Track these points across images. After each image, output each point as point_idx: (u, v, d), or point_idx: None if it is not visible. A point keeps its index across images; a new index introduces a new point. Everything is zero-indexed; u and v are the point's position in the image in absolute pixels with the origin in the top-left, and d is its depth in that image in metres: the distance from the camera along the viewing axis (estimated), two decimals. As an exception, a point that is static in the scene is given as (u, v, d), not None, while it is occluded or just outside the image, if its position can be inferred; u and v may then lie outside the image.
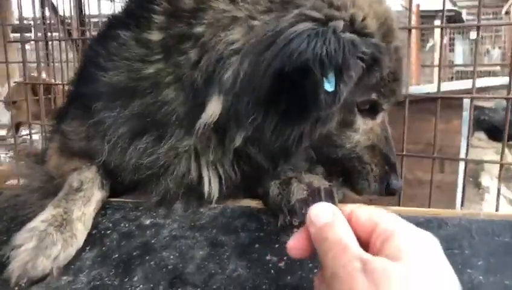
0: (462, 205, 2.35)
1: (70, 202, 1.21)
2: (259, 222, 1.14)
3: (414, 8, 8.81)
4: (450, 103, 3.36)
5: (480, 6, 1.93)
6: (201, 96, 1.12)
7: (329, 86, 0.99)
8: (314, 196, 1.05)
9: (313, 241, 0.80)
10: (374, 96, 1.21)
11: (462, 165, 4.64)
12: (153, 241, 1.15)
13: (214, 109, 1.10)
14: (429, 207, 2.18)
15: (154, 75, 1.17)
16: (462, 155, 4.46)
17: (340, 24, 1.03)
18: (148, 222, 1.21)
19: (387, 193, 1.28)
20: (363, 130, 1.25)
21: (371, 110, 1.25)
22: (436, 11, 8.26)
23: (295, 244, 0.84)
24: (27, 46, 3.10)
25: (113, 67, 1.23)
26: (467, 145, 2.12)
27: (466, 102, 4.49)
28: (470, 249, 0.99)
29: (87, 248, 1.16)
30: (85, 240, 1.17)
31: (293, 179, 1.13)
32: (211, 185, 1.21)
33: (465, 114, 4.45)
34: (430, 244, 0.72)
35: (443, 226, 1.03)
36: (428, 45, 9.56)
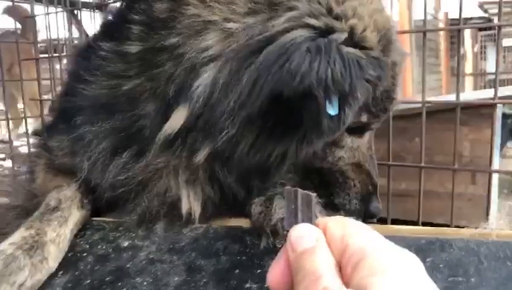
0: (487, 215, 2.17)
1: (45, 222, 1.13)
2: (242, 244, 1.03)
3: (442, 16, 8.60)
4: (480, 111, 3.19)
5: (501, 5, 1.80)
6: (170, 109, 1.04)
7: (333, 110, 0.89)
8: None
9: (291, 267, 0.68)
10: (364, 117, 1.11)
11: (495, 177, 4.43)
12: (128, 265, 1.06)
13: (177, 119, 1.02)
14: (451, 222, 2.03)
15: (132, 90, 1.11)
16: (495, 166, 4.26)
17: (342, 37, 0.94)
18: (126, 243, 1.12)
19: (365, 215, 1.16)
20: (349, 148, 1.15)
21: (359, 128, 1.16)
22: (466, 19, 8.01)
23: (275, 275, 0.72)
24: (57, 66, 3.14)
25: (95, 81, 1.17)
26: (490, 155, 1.97)
27: (498, 111, 4.29)
28: (477, 277, 0.85)
29: (60, 273, 1.08)
30: (60, 263, 1.09)
31: (276, 195, 1.02)
32: (191, 204, 1.12)
33: (497, 124, 4.24)
34: (408, 267, 0.59)
35: (446, 248, 0.90)
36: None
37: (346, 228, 0.67)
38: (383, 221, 2.32)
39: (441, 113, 3.54)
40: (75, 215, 1.18)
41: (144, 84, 1.09)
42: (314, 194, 0.69)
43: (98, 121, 1.15)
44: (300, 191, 0.69)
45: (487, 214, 2.13)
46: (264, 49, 0.90)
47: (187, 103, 1.01)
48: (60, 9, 3.21)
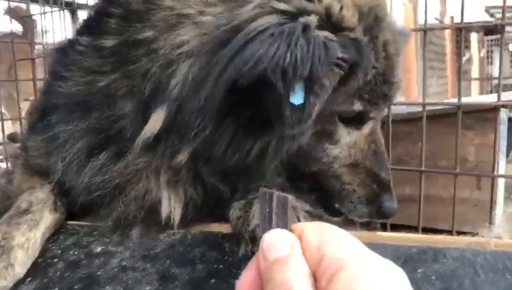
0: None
1: (13, 226, 1.06)
2: (221, 251, 0.96)
3: (448, 20, 8.52)
4: (485, 116, 3.11)
5: (504, 4, 1.74)
6: (149, 109, 0.97)
7: (296, 99, 0.80)
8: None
9: (262, 277, 0.61)
10: (357, 105, 1.00)
11: (501, 182, 4.34)
12: (99, 272, 0.99)
13: (156, 121, 0.96)
14: (452, 227, 1.96)
15: (108, 87, 1.04)
16: (501, 171, 4.17)
17: (313, 20, 0.85)
18: (99, 249, 1.05)
19: (379, 216, 1.07)
20: (345, 144, 1.04)
21: (357, 119, 1.04)
22: (472, 23, 7.93)
23: (245, 285, 0.64)
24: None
25: (71, 77, 1.10)
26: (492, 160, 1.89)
27: (504, 115, 4.21)
28: (472, 290, 0.77)
29: (28, 280, 1.01)
30: (28, 269, 1.02)
31: (256, 199, 0.95)
32: (172, 207, 1.05)
33: (503, 127, 4.16)
34: (389, 282, 0.52)
35: (440, 258, 0.82)
36: (465, 58, 9.19)
37: (324, 235, 0.60)
38: (382, 226, 2.25)
39: (446, 117, 3.46)
40: (47, 219, 1.11)
41: (119, 81, 1.02)
42: (291, 197, 0.61)
43: (73, 120, 1.08)
44: (276, 193, 0.62)
45: (490, 219, 2.05)
46: (229, 41, 0.83)
47: (165, 103, 0.95)
48: (56, 8, 3.17)
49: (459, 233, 1.82)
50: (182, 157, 0.98)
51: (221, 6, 0.92)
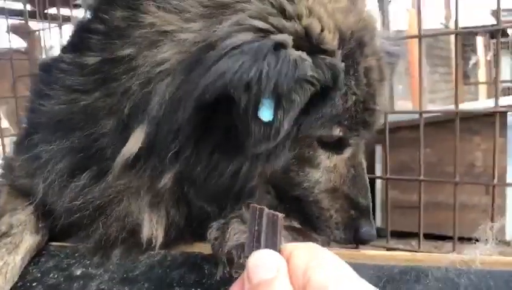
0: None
1: None
2: (199, 273, 0.93)
3: (453, 25, 8.45)
4: (492, 120, 3.07)
5: (499, 7, 1.72)
6: (128, 128, 0.95)
7: (265, 115, 0.78)
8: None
9: None
10: (337, 131, 0.97)
11: (510, 187, 4.26)
12: (77, 296, 0.96)
13: (135, 141, 0.94)
14: (454, 234, 1.91)
15: (90, 106, 1.02)
16: (509, 177, 4.11)
17: (288, 39, 0.83)
18: (79, 272, 1.03)
19: (356, 242, 1.05)
20: (325, 168, 1.02)
21: (336, 144, 1.02)
22: (478, 27, 7.87)
23: None
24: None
25: (54, 96, 1.09)
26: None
27: (510, 119, 4.15)
28: (455, 314, 0.74)
29: (6, 305, 0.98)
30: (7, 294, 1.00)
31: (233, 219, 0.92)
32: (153, 230, 1.02)
33: (510, 132, 4.10)
34: None
35: (422, 279, 0.79)
36: (471, 62, 9.12)
37: (312, 259, 0.57)
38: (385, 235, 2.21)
39: (451, 122, 3.42)
40: (27, 241, 1.09)
41: (101, 99, 1.01)
42: (281, 215, 0.59)
43: (55, 139, 1.06)
44: (266, 210, 0.59)
45: (492, 229, 2.00)
46: (203, 59, 0.81)
47: (144, 122, 0.93)
48: (54, 25, 3.18)
49: (468, 239, 1.78)
50: (165, 180, 0.96)
51: (200, 22, 0.90)
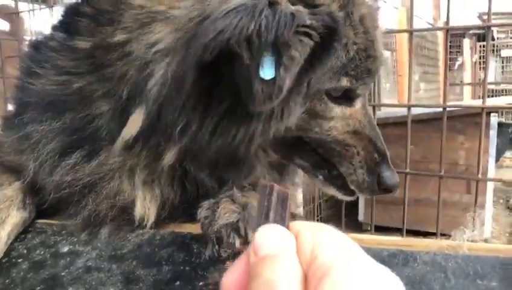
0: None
1: None
2: (188, 252, 0.93)
3: (442, 25, 8.52)
4: (476, 120, 3.11)
5: (490, 5, 1.73)
6: (126, 111, 0.95)
7: (266, 73, 0.77)
8: (247, 219, 0.84)
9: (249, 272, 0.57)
10: (344, 81, 0.98)
11: (490, 186, 4.35)
12: (63, 273, 0.96)
13: (133, 124, 0.93)
14: (437, 231, 1.94)
15: (83, 89, 1.01)
16: (490, 176, 4.18)
17: None
18: (66, 249, 1.02)
19: (380, 189, 1.05)
20: (339, 117, 1.03)
21: (345, 96, 1.03)
22: (465, 28, 7.94)
23: (230, 281, 0.60)
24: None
25: (44, 75, 1.07)
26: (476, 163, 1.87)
27: (494, 120, 4.22)
28: (442, 296, 0.75)
29: (-10, 280, 0.97)
30: (-8, 269, 0.99)
31: (223, 199, 0.92)
32: (146, 208, 1.02)
33: (492, 132, 4.17)
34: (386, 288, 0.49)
35: (410, 262, 0.80)
36: (457, 63, 9.21)
37: (320, 236, 0.56)
38: (369, 229, 2.22)
39: (436, 121, 3.47)
40: (14, 217, 1.08)
41: (96, 83, 1.00)
42: (290, 192, 0.58)
43: (46, 119, 1.05)
44: (277, 186, 0.59)
45: (474, 223, 2.03)
46: (201, 29, 0.80)
47: (143, 105, 0.93)
48: (44, 6, 3.13)
49: (448, 236, 1.82)
50: (170, 157, 0.96)
51: None
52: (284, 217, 0.57)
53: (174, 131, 0.91)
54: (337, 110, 1.02)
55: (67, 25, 1.10)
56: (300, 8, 0.82)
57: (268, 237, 0.55)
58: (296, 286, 0.51)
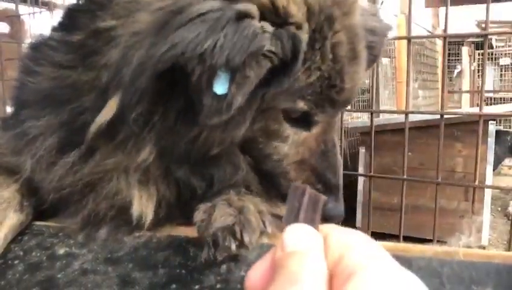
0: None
1: None
2: (185, 255, 0.93)
3: (440, 32, 8.56)
4: (474, 128, 3.12)
5: (488, 14, 1.74)
6: (106, 100, 0.95)
7: (219, 89, 0.78)
8: (244, 223, 0.84)
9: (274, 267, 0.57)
10: (301, 104, 0.97)
11: (488, 193, 4.36)
12: (59, 275, 0.95)
13: (109, 109, 0.93)
14: (433, 237, 1.95)
15: (77, 82, 1.02)
16: (488, 183, 4.18)
17: (253, 9, 0.82)
18: (62, 251, 1.02)
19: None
20: (293, 142, 1.02)
21: (303, 120, 1.02)
22: (463, 35, 7.98)
23: (254, 278, 0.57)
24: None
25: (42, 72, 1.09)
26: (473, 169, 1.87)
27: (492, 128, 4.23)
28: (437, 302, 0.75)
29: (-15, 282, 0.97)
30: (-13, 271, 0.99)
31: (221, 202, 0.92)
32: (143, 207, 1.01)
33: (490, 140, 4.19)
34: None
35: (405, 267, 0.79)
36: (456, 70, 9.26)
37: (349, 238, 0.56)
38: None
39: (434, 128, 3.48)
40: (11, 219, 1.07)
41: (83, 74, 1.01)
42: (324, 197, 0.58)
43: (44, 115, 1.06)
44: (309, 189, 0.59)
45: (471, 229, 2.04)
46: (172, 21, 0.81)
47: (119, 91, 0.92)
48: (44, 9, 3.14)
49: (445, 243, 1.82)
50: (145, 154, 0.95)
51: None
52: (314, 219, 0.57)
53: (131, 117, 0.90)
54: (290, 131, 1.01)
55: (66, 21, 1.12)
56: (267, 26, 0.82)
57: (296, 235, 0.56)
58: (320, 282, 0.51)
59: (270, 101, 0.91)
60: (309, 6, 0.91)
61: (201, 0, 0.82)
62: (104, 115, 0.93)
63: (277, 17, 0.85)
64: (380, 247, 0.55)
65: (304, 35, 0.89)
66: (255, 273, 0.57)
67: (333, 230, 0.57)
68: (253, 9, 0.82)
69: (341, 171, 1.10)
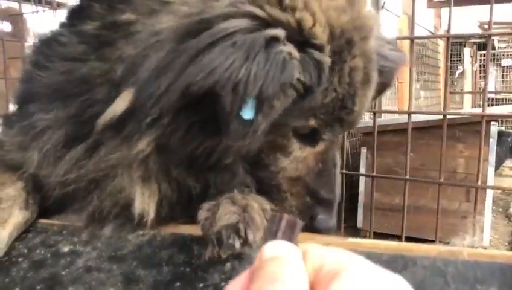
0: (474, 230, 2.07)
1: None
2: (189, 253, 0.93)
3: (442, 33, 8.55)
4: (476, 128, 3.12)
5: (491, 15, 1.74)
6: (118, 93, 0.95)
7: (246, 114, 0.80)
8: (248, 221, 0.84)
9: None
10: (312, 122, 1.00)
11: (489, 194, 4.35)
12: (63, 273, 0.96)
13: (120, 102, 0.93)
14: (435, 237, 1.94)
15: (87, 74, 1.02)
16: (490, 184, 4.18)
17: (281, 33, 0.84)
18: (66, 249, 1.02)
19: (310, 229, 1.05)
20: (296, 157, 1.05)
21: (310, 136, 1.04)
22: (466, 36, 7.97)
23: (235, 286, 0.59)
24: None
25: (53, 67, 1.09)
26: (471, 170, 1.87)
27: (494, 128, 4.23)
28: (441, 301, 0.75)
29: (-10, 279, 0.97)
30: (-8, 268, 0.99)
31: (225, 200, 0.92)
32: (145, 204, 1.02)
33: (492, 141, 4.19)
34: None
35: (410, 266, 0.80)
36: (458, 71, 9.26)
37: (327, 249, 0.56)
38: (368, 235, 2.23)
39: (436, 129, 3.48)
40: (16, 217, 1.07)
41: (95, 65, 1.01)
42: (300, 221, 0.60)
43: (52, 108, 1.06)
44: (286, 215, 0.60)
45: (474, 230, 2.04)
46: (199, 32, 0.81)
47: (134, 86, 0.92)
48: (47, 8, 3.15)
49: (446, 243, 1.81)
50: (142, 146, 0.95)
51: None
52: (292, 239, 0.57)
53: (145, 120, 0.90)
54: (295, 146, 1.03)
55: (78, 13, 1.12)
56: (293, 50, 0.83)
57: (275, 246, 0.55)
58: (302, 281, 0.51)
59: (284, 117, 0.91)
60: (332, 29, 0.92)
61: (226, 17, 0.82)
62: (117, 106, 0.93)
63: (302, 38, 0.87)
64: (360, 256, 0.55)
65: (327, 58, 0.90)
66: (234, 284, 0.55)
67: (311, 245, 0.58)
68: (281, 33, 0.83)
69: (338, 189, 1.12)
